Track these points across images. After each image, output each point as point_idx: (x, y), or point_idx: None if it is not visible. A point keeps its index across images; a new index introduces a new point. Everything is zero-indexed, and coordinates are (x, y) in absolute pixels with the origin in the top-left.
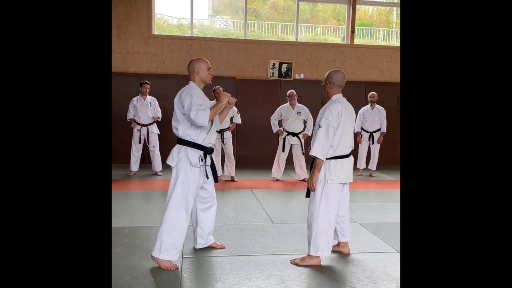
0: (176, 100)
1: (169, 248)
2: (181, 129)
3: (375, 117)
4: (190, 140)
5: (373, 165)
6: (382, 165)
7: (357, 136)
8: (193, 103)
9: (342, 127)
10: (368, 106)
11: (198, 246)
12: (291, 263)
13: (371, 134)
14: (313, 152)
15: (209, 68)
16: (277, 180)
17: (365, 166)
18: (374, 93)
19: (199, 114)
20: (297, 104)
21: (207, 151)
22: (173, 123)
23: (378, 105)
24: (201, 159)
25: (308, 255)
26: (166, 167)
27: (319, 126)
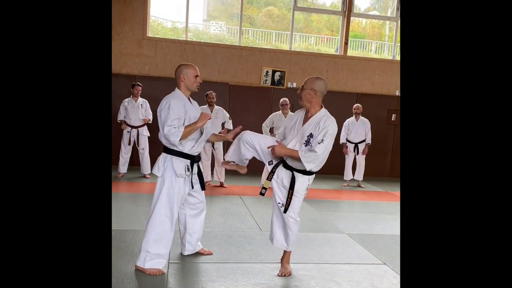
0: (158, 109)
1: (155, 257)
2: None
3: (360, 129)
4: (177, 150)
5: (359, 175)
6: (371, 176)
7: (342, 147)
8: (168, 117)
9: None
10: (353, 117)
11: (186, 253)
12: (278, 275)
13: (356, 145)
14: (310, 167)
15: (197, 75)
16: None
17: (352, 177)
18: (359, 105)
19: (172, 132)
20: (290, 113)
21: (194, 159)
22: (160, 132)
23: (362, 117)
24: (188, 169)
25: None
26: None
27: (322, 140)
